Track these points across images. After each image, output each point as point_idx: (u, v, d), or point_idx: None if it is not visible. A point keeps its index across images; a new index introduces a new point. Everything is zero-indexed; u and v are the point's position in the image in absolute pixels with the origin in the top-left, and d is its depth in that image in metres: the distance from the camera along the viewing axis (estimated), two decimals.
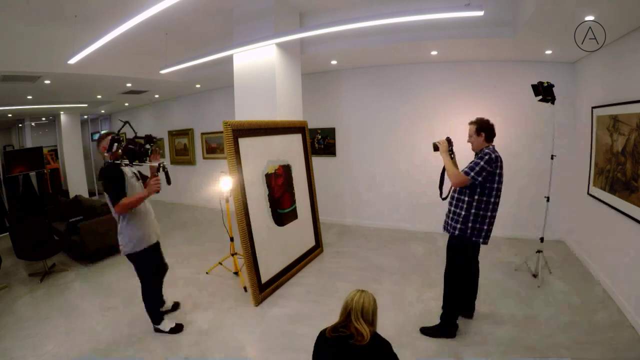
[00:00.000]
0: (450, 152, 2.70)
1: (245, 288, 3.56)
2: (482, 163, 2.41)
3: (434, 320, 2.76)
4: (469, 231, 2.50)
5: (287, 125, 4.12)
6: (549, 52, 4.04)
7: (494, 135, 2.58)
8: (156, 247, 2.89)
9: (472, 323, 2.84)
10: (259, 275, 3.34)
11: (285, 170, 3.98)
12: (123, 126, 2.70)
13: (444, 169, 2.70)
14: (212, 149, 7.67)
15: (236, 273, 3.89)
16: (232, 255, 3.89)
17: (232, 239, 3.89)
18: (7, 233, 4.91)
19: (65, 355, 2.63)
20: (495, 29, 3.68)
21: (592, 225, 3.84)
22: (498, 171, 2.44)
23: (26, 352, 2.68)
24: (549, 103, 3.48)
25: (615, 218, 3.14)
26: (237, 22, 4.13)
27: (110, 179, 2.51)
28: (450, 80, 5.01)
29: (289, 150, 4.10)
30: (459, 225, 2.53)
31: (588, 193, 3.84)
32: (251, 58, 4.07)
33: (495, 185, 2.45)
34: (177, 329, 2.88)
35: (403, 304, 3.21)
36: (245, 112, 4.15)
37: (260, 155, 3.62)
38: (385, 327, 2.83)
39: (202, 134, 7.74)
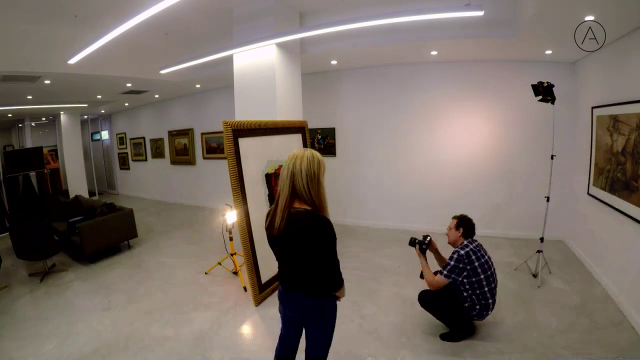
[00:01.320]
0: (424, 247, 2.69)
1: (245, 288, 3.56)
2: (452, 263, 2.49)
3: (434, 320, 2.76)
4: (475, 312, 2.55)
5: (287, 125, 4.11)
6: (548, 52, 4.04)
7: (473, 233, 2.62)
8: None
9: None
10: (259, 275, 3.34)
11: None
12: None
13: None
14: (212, 149, 7.66)
15: (235, 273, 3.89)
16: (232, 255, 3.89)
17: (231, 239, 3.89)
18: (7, 233, 4.92)
19: (65, 355, 2.63)
20: (496, 29, 3.68)
21: (592, 225, 3.84)
22: (475, 264, 2.46)
23: (26, 352, 2.68)
24: (549, 103, 3.48)
25: (615, 218, 3.14)
26: (237, 22, 4.13)
27: None
28: (450, 80, 5.01)
29: (289, 150, 4.07)
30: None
31: (588, 193, 3.84)
32: (251, 58, 4.07)
33: (479, 271, 2.46)
34: None
35: (403, 304, 3.21)
36: (245, 112, 4.15)
37: (260, 155, 3.62)
38: (385, 327, 2.84)
39: (202, 134, 7.74)
